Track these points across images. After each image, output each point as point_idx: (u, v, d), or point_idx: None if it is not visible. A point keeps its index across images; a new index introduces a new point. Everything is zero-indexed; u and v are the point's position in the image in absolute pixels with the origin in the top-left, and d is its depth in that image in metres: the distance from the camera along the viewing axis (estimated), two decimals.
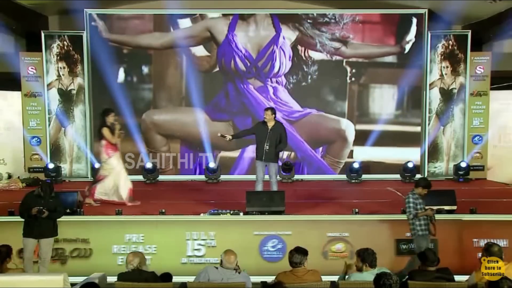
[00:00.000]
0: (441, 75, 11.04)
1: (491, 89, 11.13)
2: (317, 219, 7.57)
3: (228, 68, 11.16)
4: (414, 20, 11.03)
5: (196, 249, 7.34)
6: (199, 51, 11.21)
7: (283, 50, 11.12)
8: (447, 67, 11.01)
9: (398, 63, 11.23)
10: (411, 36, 11.08)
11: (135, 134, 11.06)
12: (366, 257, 5.12)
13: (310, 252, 5.23)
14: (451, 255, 7.12)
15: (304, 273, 5.02)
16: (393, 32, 11.25)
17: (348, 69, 11.27)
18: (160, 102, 11.37)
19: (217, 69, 11.22)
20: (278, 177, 9.69)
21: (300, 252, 5.09)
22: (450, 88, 11.05)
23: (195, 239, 7.35)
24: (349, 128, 11.28)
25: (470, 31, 10.96)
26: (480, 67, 11.00)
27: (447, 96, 11.08)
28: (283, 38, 11.09)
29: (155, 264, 6.90)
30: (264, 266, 7.14)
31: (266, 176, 8.24)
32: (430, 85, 11.05)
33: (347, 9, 11.08)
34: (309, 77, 11.21)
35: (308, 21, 11.05)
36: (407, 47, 11.13)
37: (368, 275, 4.94)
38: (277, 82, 11.20)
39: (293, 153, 11.24)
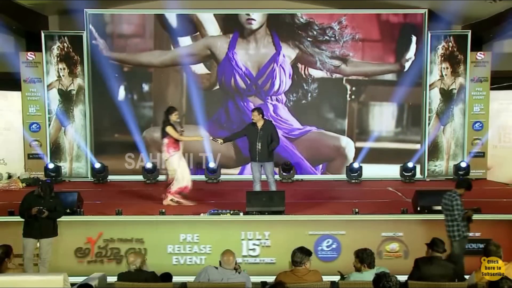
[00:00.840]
0: (441, 75, 11.06)
1: (491, 89, 11.13)
2: (371, 219, 7.52)
3: (229, 86, 11.17)
4: (414, 38, 11.05)
5: (251, 249, 7.33)
6: (200, 69, 11.22)
7: (283, 68, 11.13)
8: (447, 68, 11.02)
9: (398, 81, 11.19)
10: (410, 54, 11.10)
11: (136, 150, 11.11)
12: (365, 258, 5.08)
13: None
14: (505, 254, 7.08)
15: (305, 273, 4.96)
16: (393, 50, 11.24)
17: (348, 87, 11.27)
18: (161, 120, 11.28)
19: (218, 87, 11.23)
20: (277, 176, 9.70)
21: (302, 252, 5.01)
22: (450, 88, 11.07)
23: (250, 239, 7.35)
24: (349, 146, 11.28)
25: (470, 31, 10.97)
26: (481, 53, 11.02)
27: (447, 96, 11.09)
28: (283, 56, 11.10)
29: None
30: (319, 265, 6.95)
31: (263, 176, 8.22)
32: (430, 85, 11.06)
33: (347, 9, 11.08)
34: (309, 95, 11.21)
35: (308, 39, 11.06)
36: (407, 65, 11.13)
37: (368, 275, 4.91)
38: (277, 100, 11.20)
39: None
